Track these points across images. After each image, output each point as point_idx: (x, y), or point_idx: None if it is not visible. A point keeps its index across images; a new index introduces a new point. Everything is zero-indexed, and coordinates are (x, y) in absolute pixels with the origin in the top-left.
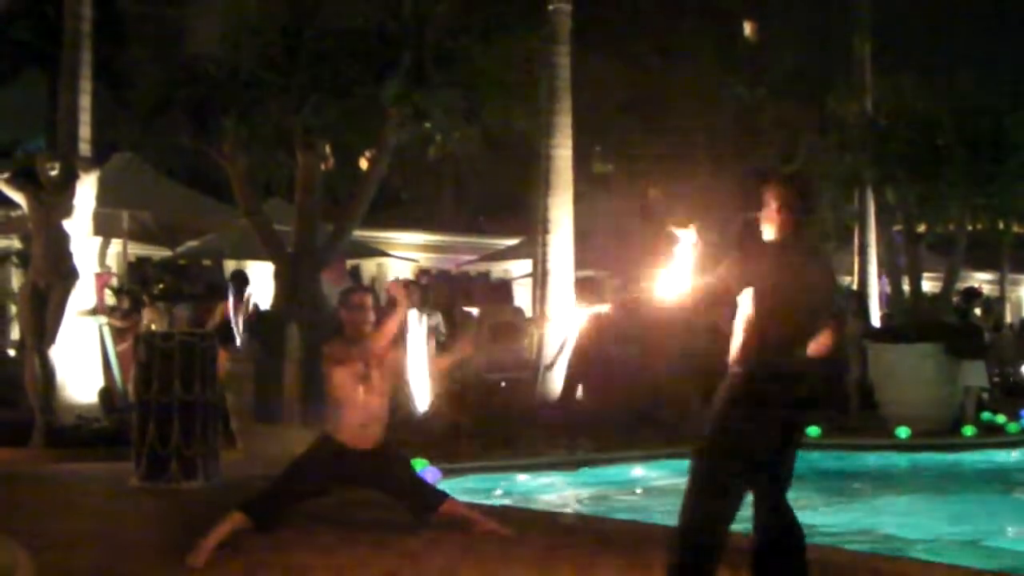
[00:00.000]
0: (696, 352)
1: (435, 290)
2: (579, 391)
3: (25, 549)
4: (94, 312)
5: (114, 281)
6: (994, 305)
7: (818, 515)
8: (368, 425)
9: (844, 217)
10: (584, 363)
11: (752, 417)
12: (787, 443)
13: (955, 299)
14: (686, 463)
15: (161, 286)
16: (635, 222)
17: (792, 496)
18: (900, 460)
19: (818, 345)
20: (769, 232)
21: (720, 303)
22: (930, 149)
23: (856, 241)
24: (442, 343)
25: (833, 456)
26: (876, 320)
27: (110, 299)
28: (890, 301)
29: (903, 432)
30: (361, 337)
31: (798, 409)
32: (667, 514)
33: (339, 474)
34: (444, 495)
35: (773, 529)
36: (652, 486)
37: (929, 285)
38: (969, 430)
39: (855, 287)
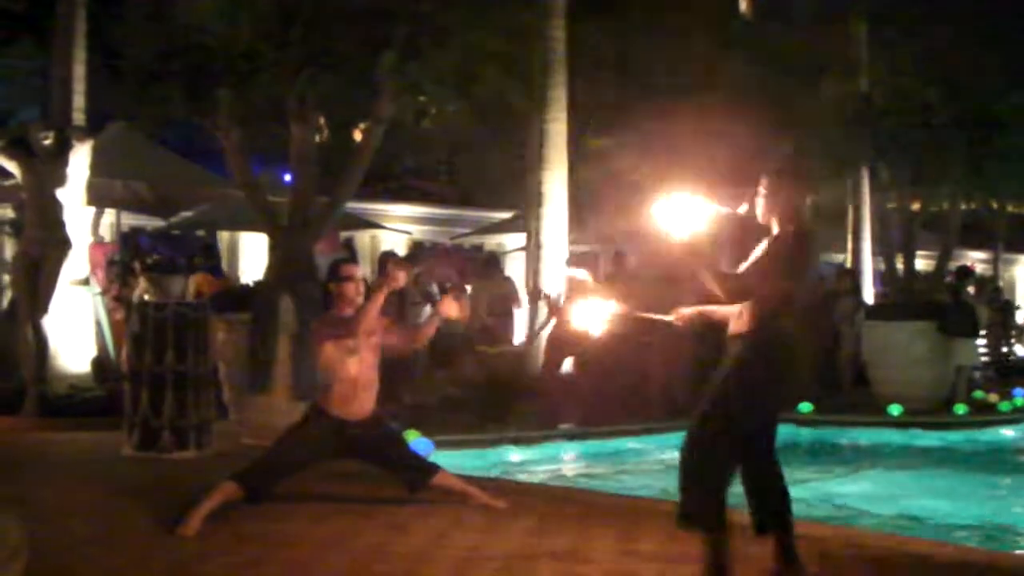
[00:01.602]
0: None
1: (430, 264)
2: (564, 365)
3: (16, 518)
4: (87, 281)
5: (113, 255)
6: (987, 284)
7: (809, 491)
8: (358, 397)
9: (838, 195)
10: (563, 337)
11: (762, 381)
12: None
13: (948, 278)
14: (673, 436)
15: (155, 257)
16: (629, 196)
17: (784, 471)
18: (892, 437)
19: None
20: (769, 218)
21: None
22: (924, 129)
23: (850, 219)
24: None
25: (825, 433)
26: (870, 298)
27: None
28: (884, 279)
29: (895, 410)
30: (350, 309)
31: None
32: (654, 487)
33: (330, 446)
34: (436, 467)
35: (763, 483)
36: (643, 459)
37: (923, 264)
38: (961, 408)
39: (848, 265)
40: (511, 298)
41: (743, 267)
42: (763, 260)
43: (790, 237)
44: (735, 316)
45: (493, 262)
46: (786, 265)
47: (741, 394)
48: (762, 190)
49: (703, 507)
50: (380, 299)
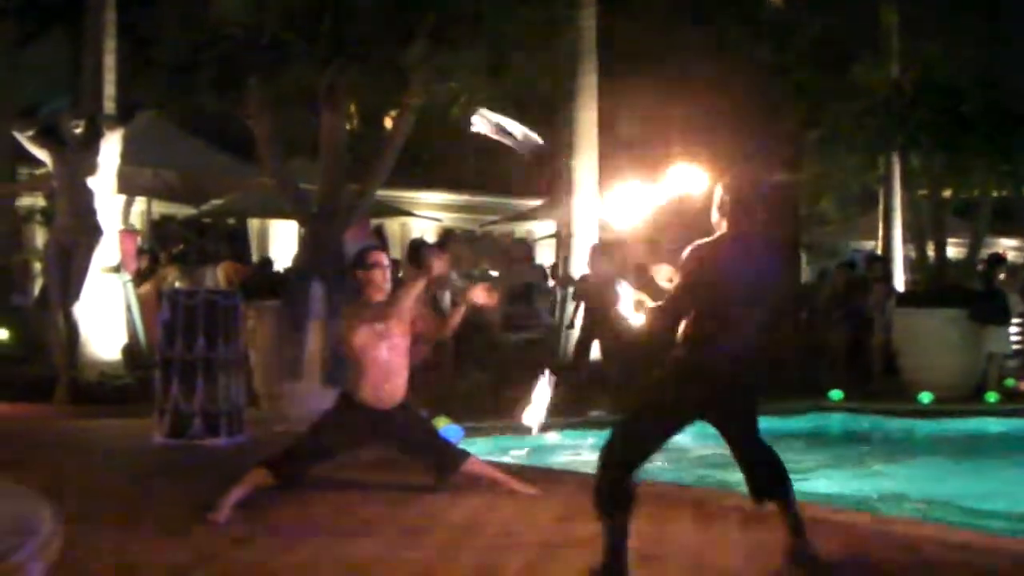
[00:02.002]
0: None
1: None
2: (593, 351)
3: (50, 505)
4: (118, 269)
5: (139, 241)
6: (1019, 271)
7: (838, 479)
8: (389, 384)
9: (869, 182)
10: (594, 325)
11: (672, 391)
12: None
13: (979, 265)
14: (702, 424)
15: (181, 246)
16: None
17: (815, 459)
18: (922, 426)
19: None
20: (720, 227)
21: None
22: (955, 116)
23: (881, 206)
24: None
25: (855, 420)
26: (900, 285)
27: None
28: (914, 266)
29: (926, 397)
30: (379, 295)
31: (724, 393)
32: (684, 474)
33: (360, 432)
34: (466, 454)
35: (753, 464)
36: (672, 447)
37: (954, 251)
38: (992, 396)
39: (879, 252)
40: (536, 286)
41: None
42: (683, 280)
43: (719, 243)
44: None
45: (522, 249)
46: (710, 275)
47: (651, 394)
48: (719, 198)
49: (610, 488)
50: (418, 288)
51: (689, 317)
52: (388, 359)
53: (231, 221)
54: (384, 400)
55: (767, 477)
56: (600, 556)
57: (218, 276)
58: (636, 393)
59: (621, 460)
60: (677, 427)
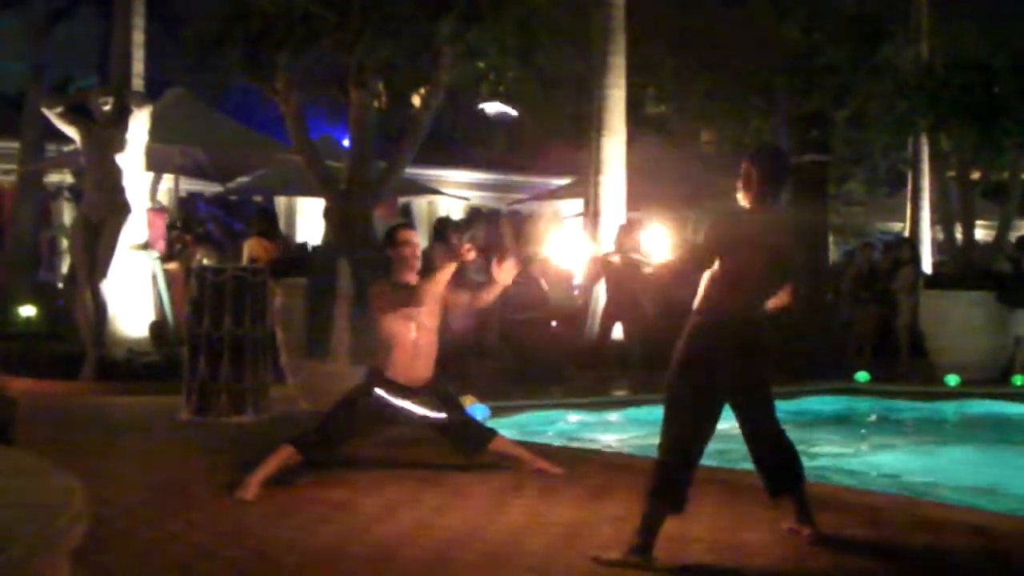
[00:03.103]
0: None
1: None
2: (616, 331)
3: (77, 482)
4: (146, 246)
5: (168, 219)
6: None
7: (865, 461)
8: (417, 363)
9: (897, 163)
10: (617, 304)
11: (705, 355)
12: (741, 379)
13: (1008, 247)
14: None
15: (209, 225)
16: (687, 163)
17: (841, 441)
18: (949, 408)
19: (776, 302)
20: (742, 200)
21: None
22: (986, 96)
23: (909, 187)
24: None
25: (882, 403)
26: (928, 267)
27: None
28: (942, 248)
29: (952, 380)
30: (409, 273)
31: (744, 354)
32: (709, 454)
33: (388, 411)
34: (493, 433)
35: (765, 451)
36: None
37: (982, 233)
38: (1019, 379)
39: (907, 234)
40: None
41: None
42: (710, 239)
43: (744, 216)
44: (699, 292)
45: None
46: (733, 244)
47: (679, 369)
48: (742, 171)
49: (667, 484)
50: (448, 273)
51: (707, 284)
52: (416, 339)
53: (258, 198)
54: (412, 379)
55: (783, 474)
56: (627, 536)
57: (243, 252)
58: (670, 381)
59: (681, 451)
60: (716, 401)
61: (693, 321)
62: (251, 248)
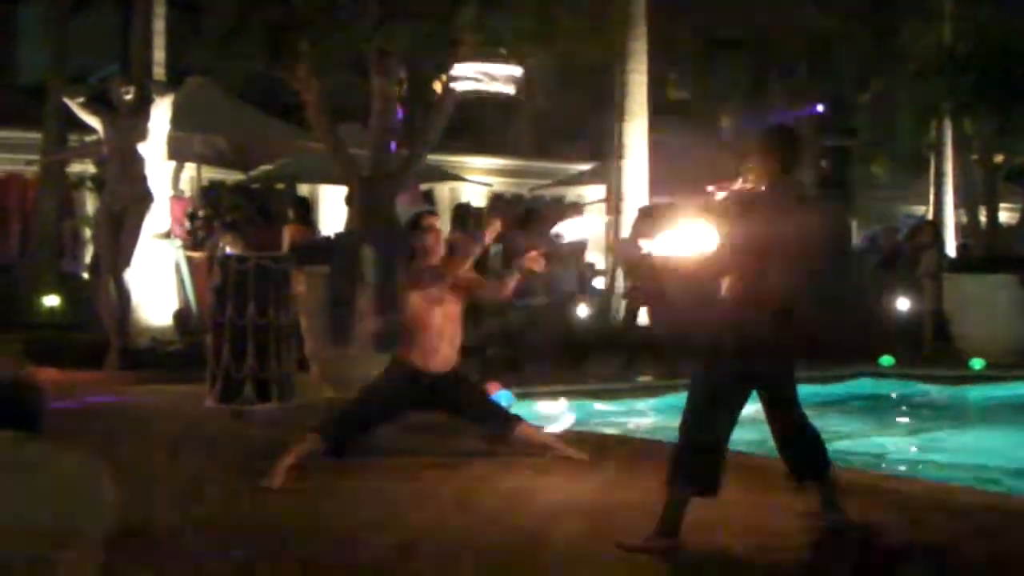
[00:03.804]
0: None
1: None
2: (642, 316)
3: (105, 470)
4: (168, 235)
5: (191, 209)
6: None
7: (889, 445)
8: (441, 349)
9: (920, 147)
10: (643, 290)
11: (740, 343)
12: (770, 367)
13: None
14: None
15: (237, 212)
16: (709, 149)
17: (866, 425)
18: (974, 392)
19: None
20: (752, 181)
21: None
22: (1008, 80)
23: (932, 171)
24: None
25: (906, 387)
26: (952, 251)
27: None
28: (965, 232)
29: (977, 364)
30: (433, 259)
31: (775, 342)
32: (734, 440)
33: (412, 398)
34: (517, 419)
35: (790, 439)
36: None
37: (1006, 216)
38: None
39: (930, 217)
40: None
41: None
42: (736, 228)
43: (766, 198)
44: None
45: (533, 215)
46: (757, 228)
47: (713, 356)
48: (751, 149)
49: (689, 468)
50: (476, 252)
51: (736, 271)
52: (441, 325)
53: (280, 186)
54: (436, 365)
55: (807, 461)
56: (652, 522)
57: (283, 238)
58: (704, 367)
59: (707, 436)
60: (746, 389)
61: (726, 308)
62: (291, 234)
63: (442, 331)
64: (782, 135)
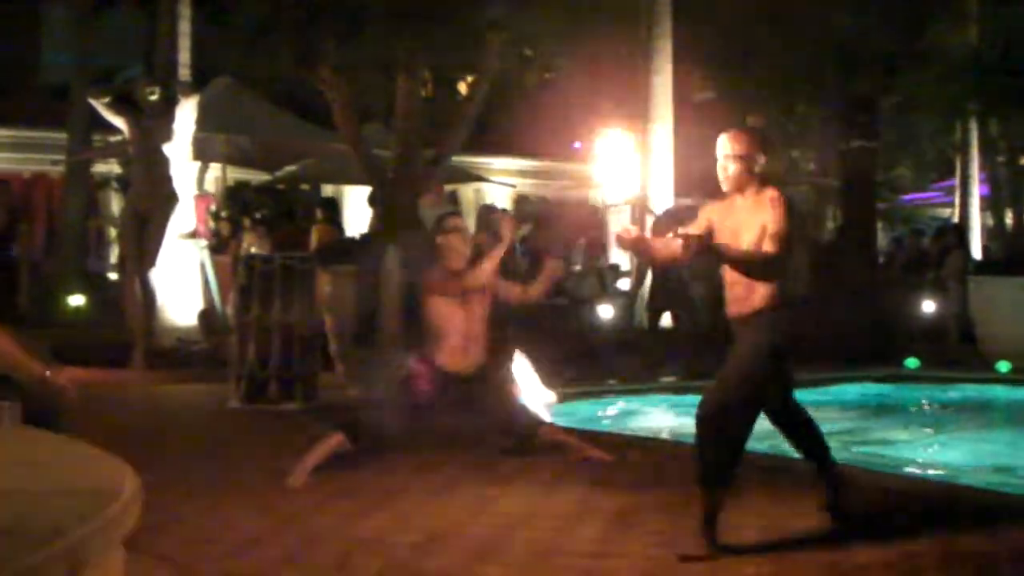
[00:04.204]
0: None
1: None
2: (664, 319)
3: (130, 469)
4: (194, 235)
5: (213, 207)
6: None
7: (914, 447)
8: (466, 350)
9: (946, 149)
10: (663, 291)
11: (787, 343)
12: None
13: None
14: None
15: (264, 211)
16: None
17: (891, 428)
18: (999, 394)
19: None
20: (744, 181)
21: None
22: None
23: (958, 173)
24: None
25: (931, 389)
26: (977, 253)
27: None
28: (991, 234)
29: (1004, 366)
30: (458, 260)
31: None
32: (758, 442)
33: (437, 397)
34: (542, 420)
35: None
36: None
37: None
38: None
39: (956, 219)
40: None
41: (751, 240)
42: (779, 229)
43: (784, 201)
44: (743, 287)
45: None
46: (794, 231)
47: (762, 359)
48: (735, 150)
49: (724, 467)
50: (497, 258)
51: (764, 273)
52: (466, 327)
53: (305, 187)
54: (461, 366)
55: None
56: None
57: (312, 238)
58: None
59: (734, 437)
60: (768, 393)
61: (764, 309)
62: (320, 234)
63: (466, 332)
64: (765, 134)
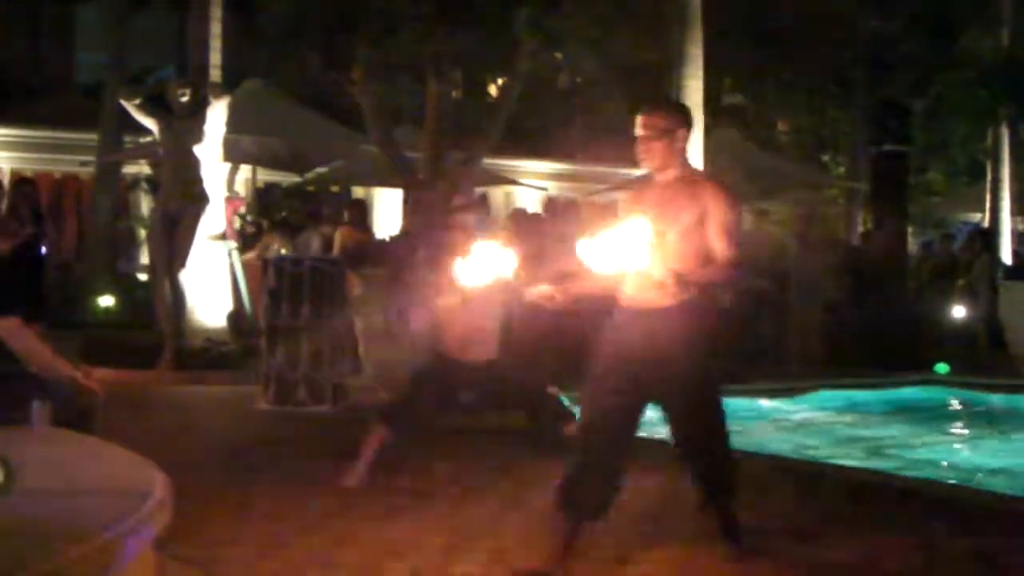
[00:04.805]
0: None
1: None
2: None
3: (160, 470)
4: (223, 237)
5: (242, 208)
6: None
7: (943, 453)
8: (473, 342)
9: (977, 153)
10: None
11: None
12: None
13: None
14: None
15: (284, 213)
16: (764, 154)
17: (921, 432)
18: None
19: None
20: (666, 160)
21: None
22: None
23: (989, 177)
24: None
25: (960, 394)
26: (1008, 258)
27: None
28: (1022, 238)
29: None
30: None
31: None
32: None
33: (453, 381)
34: (570, 416)
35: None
36: (771, 417)
37: None
38: None
39: (986, 224)
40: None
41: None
42: (732, 227)
43: (730, 195)
44: (640, 284)
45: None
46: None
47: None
48: (655, 127)
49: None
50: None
51: (694, 265)
52: (471, 321)
53: (335, 188)
54: (470, 355)
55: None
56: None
57: (335, 241)
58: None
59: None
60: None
61: (702, 306)
62: (342, 236)
63: (473, 326)
64: (686, 110)
